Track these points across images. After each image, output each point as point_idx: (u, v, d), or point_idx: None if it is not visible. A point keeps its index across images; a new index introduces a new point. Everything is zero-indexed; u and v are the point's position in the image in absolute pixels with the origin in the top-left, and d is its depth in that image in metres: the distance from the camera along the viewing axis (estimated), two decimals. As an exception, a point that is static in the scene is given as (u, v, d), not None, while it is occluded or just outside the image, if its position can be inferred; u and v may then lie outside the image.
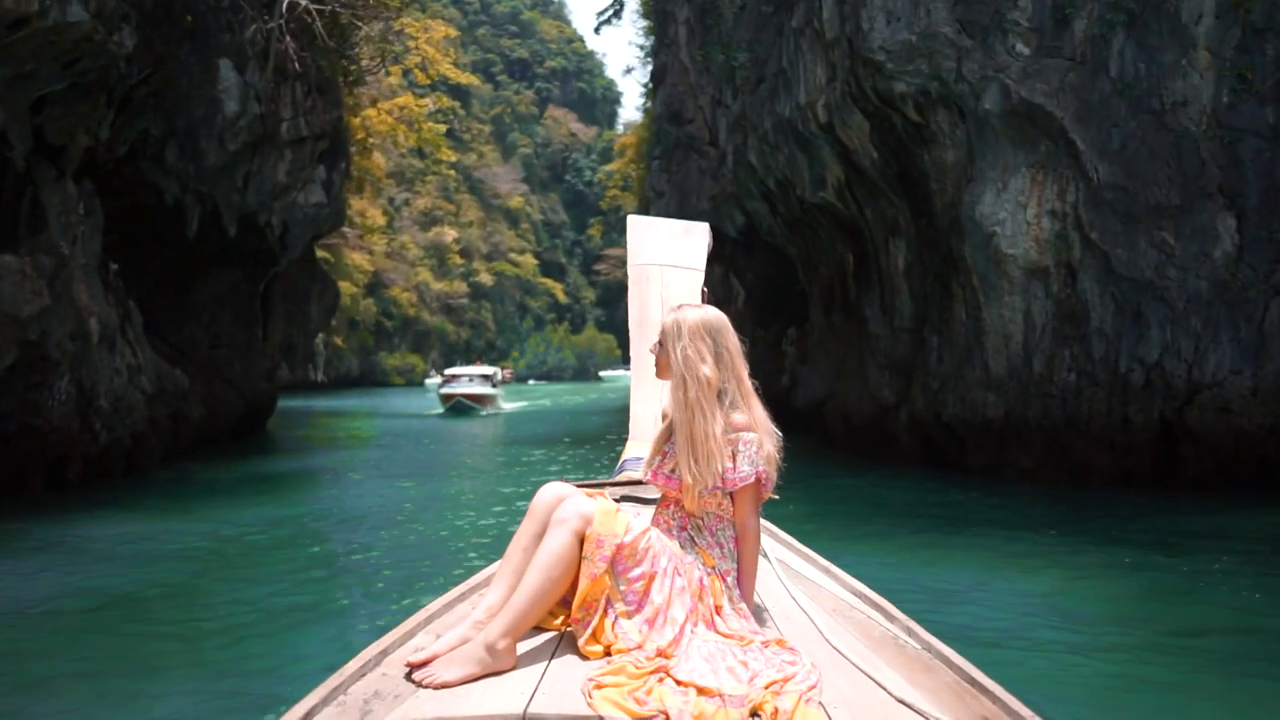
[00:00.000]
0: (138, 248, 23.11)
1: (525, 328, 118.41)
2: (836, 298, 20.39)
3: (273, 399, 30.83)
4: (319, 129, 23.43)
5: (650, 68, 36.67)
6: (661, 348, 2.75)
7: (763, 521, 2.90)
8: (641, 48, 39.52)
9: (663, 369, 2.76)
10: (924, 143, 15.22)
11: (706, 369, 2.61)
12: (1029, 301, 14.42)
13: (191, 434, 21.60)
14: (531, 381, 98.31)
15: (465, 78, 50.12)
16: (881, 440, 18.60)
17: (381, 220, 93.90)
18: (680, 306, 2.78)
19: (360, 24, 23.50)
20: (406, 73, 47.35)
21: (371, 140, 42.78)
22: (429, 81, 42.98)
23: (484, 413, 40.17)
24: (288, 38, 22.11)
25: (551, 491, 2.58)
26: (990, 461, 15.54)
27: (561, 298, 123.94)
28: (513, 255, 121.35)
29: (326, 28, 22.91)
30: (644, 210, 35.68)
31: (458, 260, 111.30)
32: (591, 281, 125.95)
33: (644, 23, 39.63)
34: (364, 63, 28.18)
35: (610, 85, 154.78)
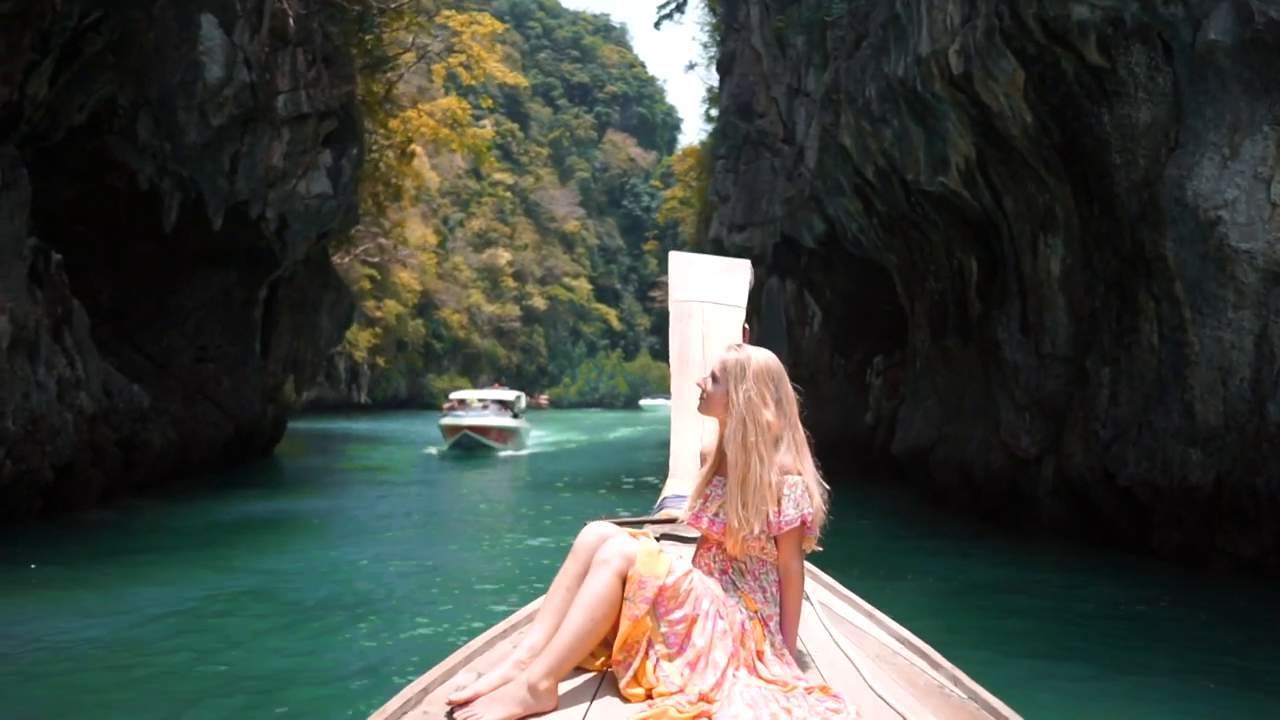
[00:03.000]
0: (110, 240, 19.60)
1: (578, 353, 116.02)
2: (951, 317, 15.99)
3: (278, 422, 27.19)
4: (324, 105, 19.77)
5: (715, 58, 32.67)
6: (717, 383, 2.66)
7: (805, 564, 2.73)
8: (705, 45, 35.55)
9: (711, 405, 2.68)
10: (1105, 97, 10.89)
11: (769, 414, 2.55)
12: (1265, 320, 9.95)
13: (154, 463, 17.85)
14: (552, 409, 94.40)
15: (514, 77, 46.94)
16: (1012, 502, 14.14)
17: (434, 239, 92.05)
18: (741, 345, 2.70)
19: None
20: (455, 79, 44.28)
21: (413, 146, 39.56)
22: (474, 82, 39.65)
23: (501, 451, 30.66)
24: (290, 1, 18.57)
25: (595, 531, 2.55)
26: (1188, 544, 11.04)
27: (615, 324, 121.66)
28: (567, 280, 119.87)
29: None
30: (708, 219, 31.61)
31: (511, 283, 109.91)
32: (646, 308, 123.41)
33: (709, 19, 35.69)
34: (388, 36, 24.54)
35: (670, 111, 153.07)
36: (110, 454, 16.04)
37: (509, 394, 35.57)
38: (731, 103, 26.84)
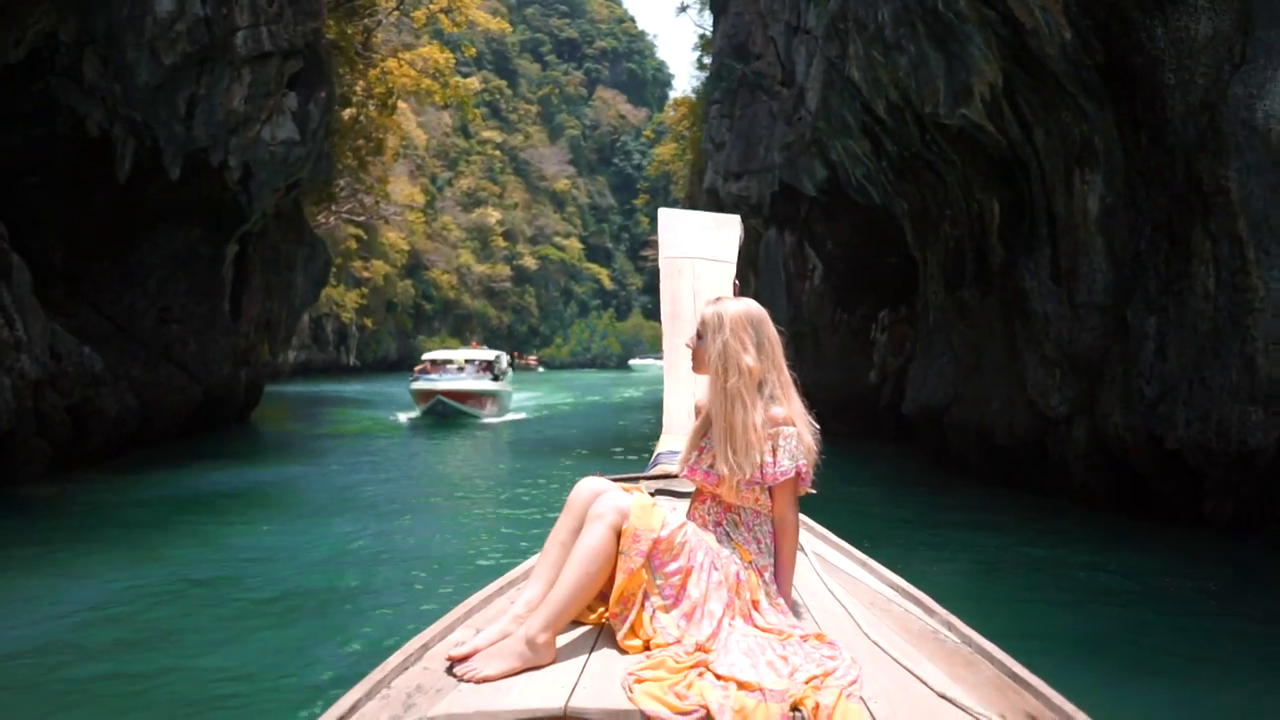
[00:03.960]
0: (61, 193, 18.17)
1: (569, 314, 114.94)
2: (969, 266, 14.72)
3: (253, 386, 25.91)
4: (288, 44, 18.23)
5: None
6: (700, 340, 2.69)
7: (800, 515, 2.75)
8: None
9: (700, 363, 2.71)
10: (1159, 7, 9.55)
11: (749, 358, 2.56)
12: (1344, 259, 8.72)
13: (110, 432, 16.59)
14: (541, 369, 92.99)
15: (497, 24, 44.91)
16: (1038, 467, 12.99)
17: (421, 199, 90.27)
18: (719, 299, 2.73)
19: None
20: (437, 31, 42.36)
21: (395, 100, 37.89)
22: (455, 29, 37.84)
23: (482, 418, 27.48)
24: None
25: (588, 486, 2.55)
26: (1243, 513, 9.91)
27: (607, 284, 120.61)
28: (558, 239, 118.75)
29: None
30: (702, 170, 30.18)
31: (501, 243, 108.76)
32: (638, 267, 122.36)
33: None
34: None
35: (661, 67, 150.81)
36: (58, 422, 14.77)
37: (489, 354, 32.20)
38: (726, 43, 25.31)
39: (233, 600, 7.93)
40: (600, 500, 2.44)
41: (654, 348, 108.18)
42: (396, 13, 38.30)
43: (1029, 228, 12.65)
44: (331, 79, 20.46)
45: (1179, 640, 7.35)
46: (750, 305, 2.66)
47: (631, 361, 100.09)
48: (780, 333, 2.67)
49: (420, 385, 27.84)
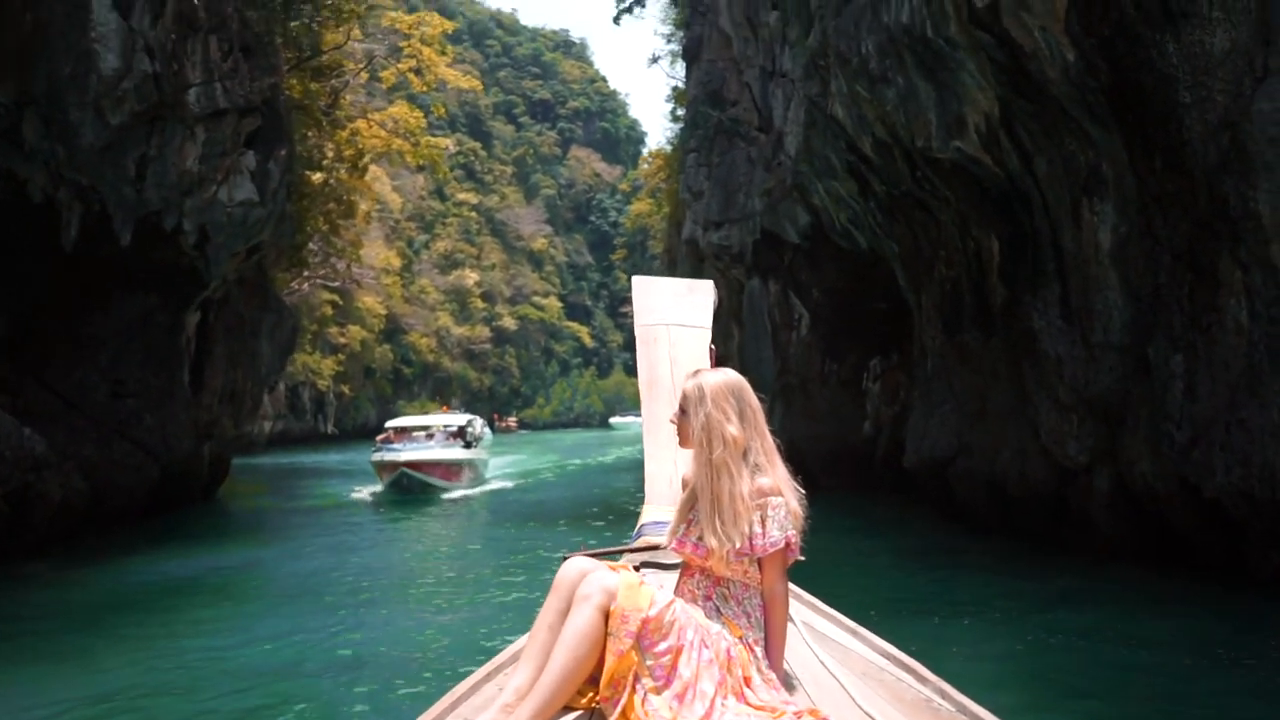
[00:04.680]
0: (4, 262, 17.14)
1: (550, 373, 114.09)
2: (968, 307, 13.89)
3: (219, 460, 24.67)
4: (244, 100, 17.40)
5: (681, 48, 30.61)
6: (683, 414, 2.69)
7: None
8: (668, 38, 33.52)
9: (684, 437, 2.71)
10: (1170, 20, 8.85)
11: (732, 429, 2.57)
12: (1395, 283, 7.90)
13: (54, 518, 15.36)
14: (522, 431, 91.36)
15: (468, 82, 44.44)
16: (1057, 519, 12.03)
17: (398, 262, 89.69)
18: (698, 371, 2.76)
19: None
20: (406, 88, 42.03)
21: (365, 161, 37.27)
22: (424, 88, 37.27)
23: (452, 491, 24.52)
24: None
25: (575, 566, 2.53)
26: (1293, 566, 8.98)
27: (588, 341, 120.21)
28: (536, 298, 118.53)
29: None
30: (680, 221, 29.51)
31: (479, 304, 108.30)
32: (619, 324, 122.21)
33: (671, 10, 33.71)
34: (326, 36, 22.22)
35: (634, 125, 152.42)
36: (-5, 510, 13.59)
37: (460, 418, 29.47)
38: (700, 91, 24.78)
39: (182, 703, 6.82)
40: (587, 581, 2.44)
41: (636, 404, 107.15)
42: (365, 73, 37.84)
43: (1034, 264, 11.84)
44: (292, 136, 19.66)
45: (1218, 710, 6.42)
46: (730, 375, 2.68)
47: (613, 419, 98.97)
48: (761, 399, 2.68)
49: (382, 456, 25.20)
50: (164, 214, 17.38)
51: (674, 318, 4.70)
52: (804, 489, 2.63)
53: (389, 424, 29.60)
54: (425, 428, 28.34)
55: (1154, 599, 9.96)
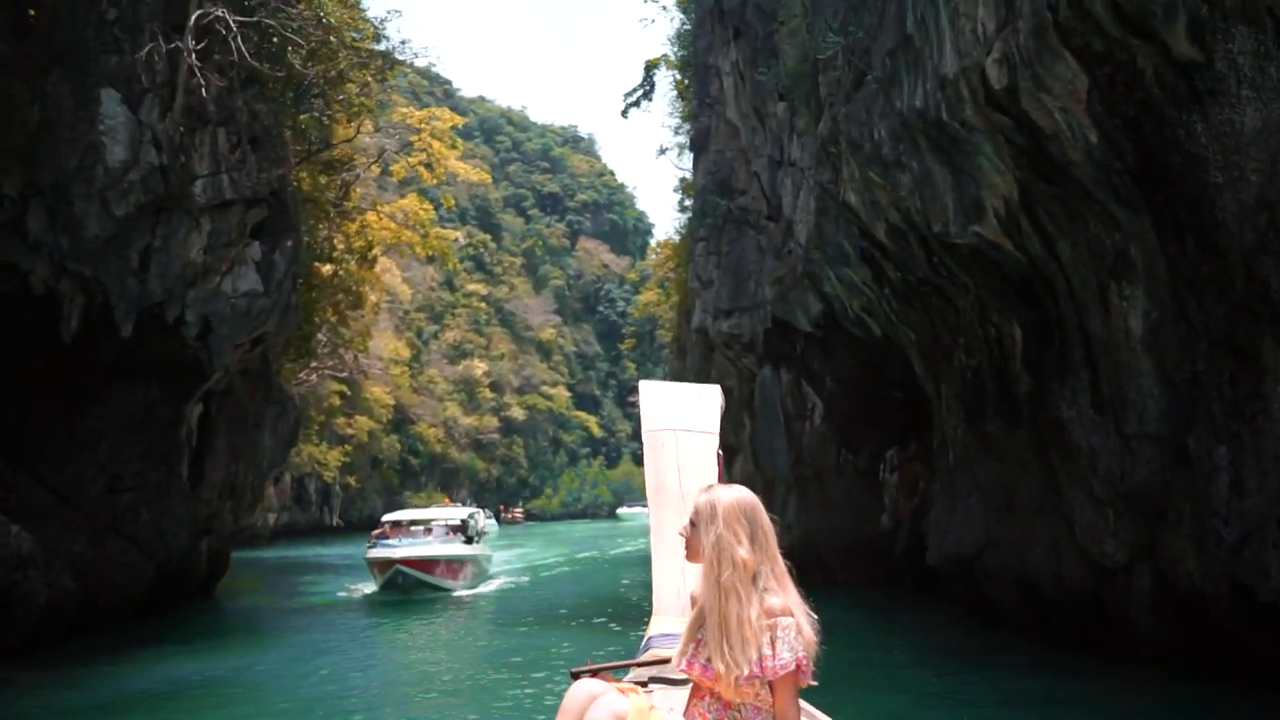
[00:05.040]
0: (2, 354, 16.85)
1: (559, 463, 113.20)
2: (990, 396, 13.40)
3: (218, 556, 23.99)
4: (251, 191, 17.33)
5: (688, 140, 30.82)
6: (694, 529, 2.66)
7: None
8: (675, 130, 33.96)
9: (694, 552, 2.67)
10: (1197, 99, 8.57)
11: (743, 551, 2.53)
12: None
13: (40, 620, 14.71)
14: (529, 523, 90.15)
15: (478, 174, 44.94)
16: (1096, 623, 11.31)
17: (406, 353, 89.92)
18: (711, 487, 2.74)
19: (301, 45, 17.57)
20: (416, 181, 42.60)
21: (375, 252, 37.52)
22: (435, 181, 37.69)
23: (453, 590, 23.46)
24: (209, 76, 16.27)
25: (583, 689, 2.56)
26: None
27: (596, 431, 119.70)
28: (545, 388, 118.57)
29: (267, 59, 17.12)
30: (689, 311, 29.29)
31: (488, 394, 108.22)
32: (627, 414, 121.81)
33: (679, 104, 34.13)
34: (337, 129, 22.36)
35: (641, 216, 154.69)
36: (-26, 613, 12.98)
37: (460, 511, 27.98)
38: (709, 180, 24.80)
39: None
40: (596, 705, 2.47)
41: (644, 495, 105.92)
42: (376, 167, 38.29)
43: (1060, 351, 11.39)
44: (299, 227, 19.56)
45: None
46: (743, 494, 2.66)
47: (620, 510, 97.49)
48: (774, 521, 2.66)
49: (377, 554, 23.78)
50: (167, 305, 17.15)
51: (682, 423, 4.70)
52: (820, 582, 2.35)
53: (385, 518, 28.04)
54: (423, 522, 26.79)
55: (1203, 708, 9.24)
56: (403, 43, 27.83)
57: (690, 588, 3.03)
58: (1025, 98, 9.62)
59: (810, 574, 2.10)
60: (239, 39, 15.82)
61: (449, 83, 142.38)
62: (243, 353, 20.14)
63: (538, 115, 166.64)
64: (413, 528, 26.16)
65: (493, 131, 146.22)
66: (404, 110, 36.85)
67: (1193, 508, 9.56)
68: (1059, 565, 11.65)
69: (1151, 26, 8.33)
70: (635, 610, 17.93)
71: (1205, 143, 8.66)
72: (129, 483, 18.93)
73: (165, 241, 16.60)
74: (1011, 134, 10.22)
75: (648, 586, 4.09)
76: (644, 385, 5.05)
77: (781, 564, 2.59)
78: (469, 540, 26.09)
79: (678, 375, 35.76)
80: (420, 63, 37.99)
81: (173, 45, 15.51)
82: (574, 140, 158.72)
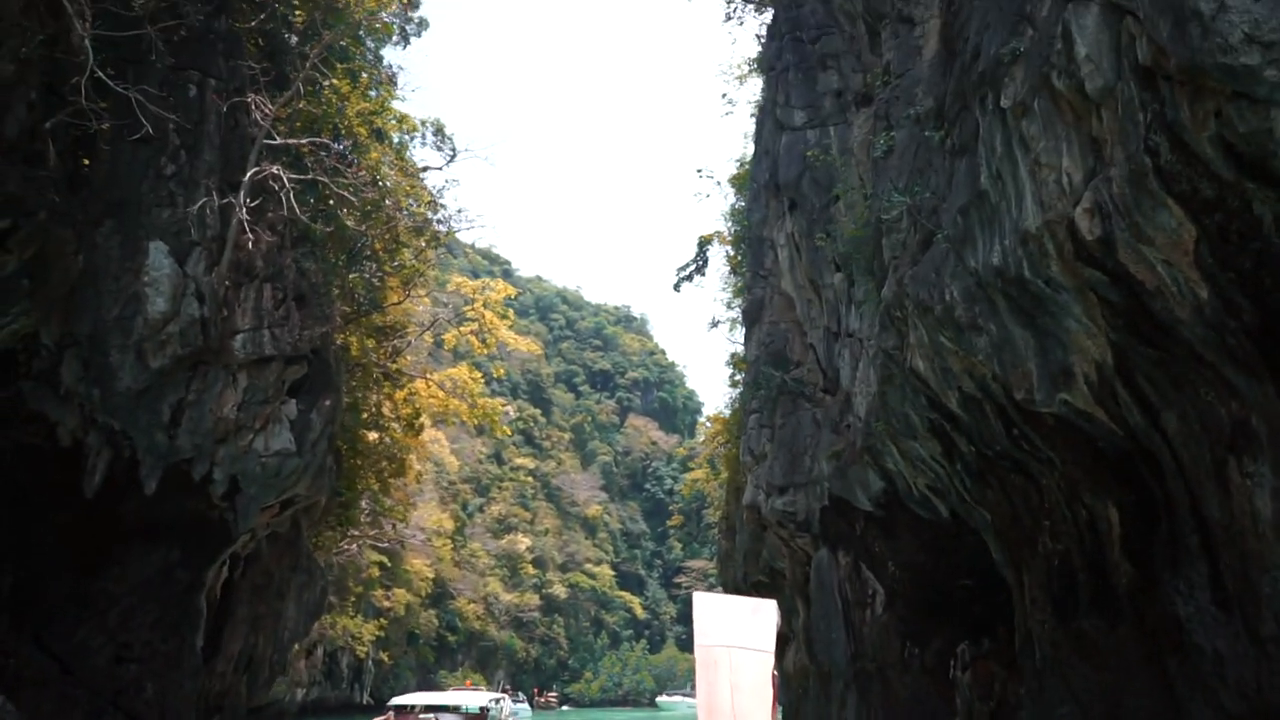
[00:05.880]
0: (18, 510, 16.13)
1: (600, 645, 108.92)
2: (1083, 588, 11.85)
3: (228, 736, 22.26)
4: (291, 348, 16.89)
5: (740, 313, 30.38)
6: None
7: None
8: (728, 304, 33.75)
9: None
10: (1327, 249, 7.58)
11: None
12: None
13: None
14: (565, 708, 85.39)
15: (527, 345, 44.87)
16: None
17: (451, 525, 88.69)
18: None
19: (355, 205, 17.52)
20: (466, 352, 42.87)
21: (423, 420, 37.15)
22: (485, 351, 37.60)
23: None
24: (260, 232, 16.18)
25: None
26: None
27: (639, 613, 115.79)
28: (589, 566, 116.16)
29: (321, 218, 17.04)
30: (739, 487, 27.98)
31: (530, 570, 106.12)
32: (672, 596, 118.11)
33: (731, 279, 34.05)
34: (375, 277, 22.25)
35: (691, 395, 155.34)
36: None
37: (480, 697, 25.21)
38: (762, 352, 24.08)
39: None
40: None
41: (686, 681, 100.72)
42: (429, 336, 38.43)
43: (1170, 537, 9.97)
44: (339, 387, 19.03)
45: None
46: None
47: (660, 699, 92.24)
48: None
49: None
50: (195, 461, 16.43)
51: (736, 639, 4.77)
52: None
53: (392, 701, 25.30)
54: (438, 708, 23.98)
55: None
56: (459, 211, 28.31)
57: None
58: (1122, 250, 8.69)
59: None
60: (291, 195, 15.74)
61: (508, 263, 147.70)
62: (271, 515, 19.22)
63: (592, 295, 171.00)
64: (424, 715, 23.47)
65: (548, 309, 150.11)
66: (459, 279, 37.22)
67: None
68: (1182, 795, 9.81)
69: (1271, 168, 7.44)
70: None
71: (1340, 298, 7.61)
72: (137, 653, 17.71)
73: (199, 396, 16.06)
74: (1105, 291, 9.25)
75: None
76: (698, 597, 5.12)
77: None
78: None
79: (726, 556, 34.16)
80: (475, 234, 38.96)
81: (226, 200, 15.43)
82: (626, 320, 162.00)
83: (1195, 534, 9.57)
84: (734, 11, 30.12)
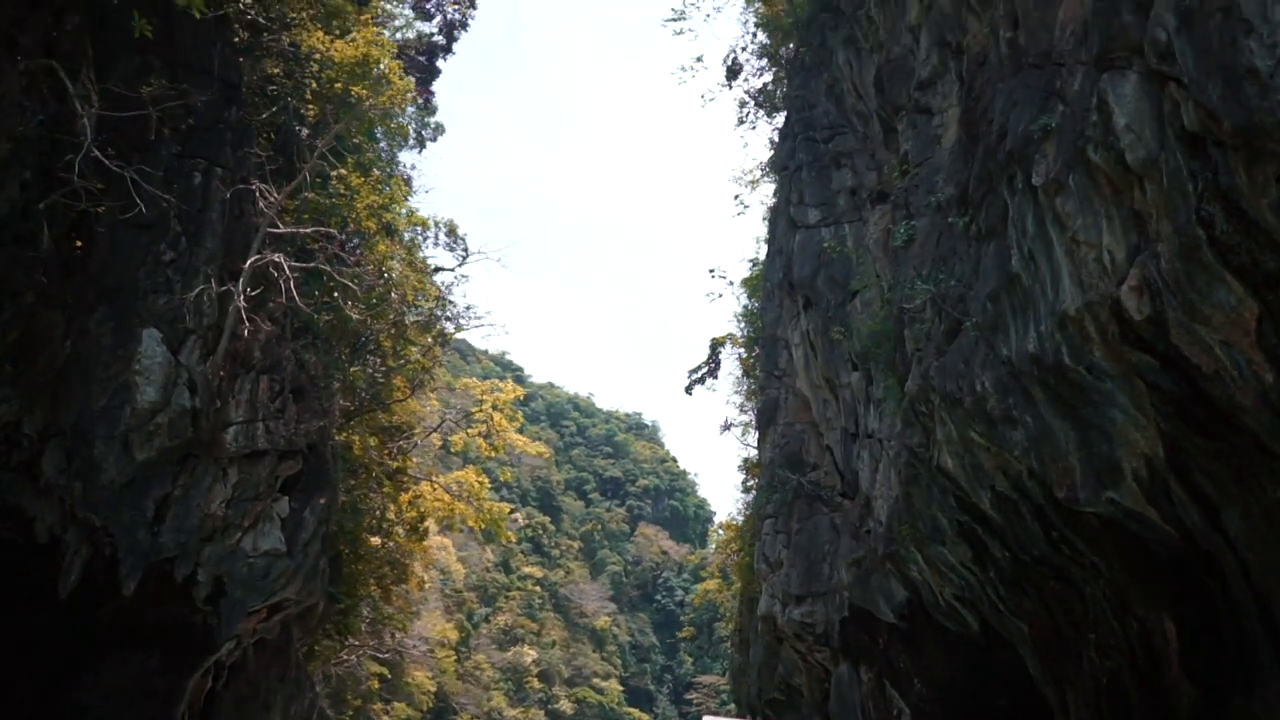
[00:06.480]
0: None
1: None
2: (1136, 709, 10.73)
3: None
4: (286, 443, 16.17)
5: (753, 416, 29.60)
6: None
7: None
8: (741, 406, 33.02)
9: None
10: None
11: None
12: None
13: None
14: None
15: (535, 448, 44.04)
16: None
17: (454, 635, 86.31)
18: None
19: (359, 296, 17.04)
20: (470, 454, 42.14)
21: (427, 523, 36.18)
22: (493, 453, 36.81)
23: None
24: (258, 321, 15.71)
25: None
26: None
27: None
28: (596, 680, 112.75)
29: (324, 309, 16.58)
30: (753, 598, 26.71)
31: (536, 685, 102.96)
32: (683, 713, 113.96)
33: (745, 380, 33.38)
34: (378, 372, 21.66)
35: (703, 504, 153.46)
36: None
37: None
38: (778, 454, 23.22)
39: None
40: None
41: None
42: (437, 437, 37.76)
43: (1238, 652, 8.96)
44: (336, 485, 18.22)
45: None
46: None
47: None
48: None
49: None
50: (178, 561, 15.53)
51: None
52: None
53: None
54: None
55: None
56: (467, 309, 28.01)
57: None
58: (1174, 331, 7.99)
59: None
60: (293, 285, 15.29)
61: (520, 369, 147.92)
62: (258, 621, 18.17)
63: (603, 401, 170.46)
64: None
65: (559, 416, 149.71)
66: (466, 380, 36.73)
67: None
68: None
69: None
70: None
71: None
72: (109, 769, 16.46)
73: (186, 491, 15.28)
74: (1155, 376, 8.51)
75: None
76: None
77: None
78: None
79: (740, 671, 32.59)
80: (488, 340, 38.71)
81: (224, 288, 14.99)
82: (638, 427, 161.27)
83: (1269, 646, 8.58)
84: (746, 116, 30.36)
